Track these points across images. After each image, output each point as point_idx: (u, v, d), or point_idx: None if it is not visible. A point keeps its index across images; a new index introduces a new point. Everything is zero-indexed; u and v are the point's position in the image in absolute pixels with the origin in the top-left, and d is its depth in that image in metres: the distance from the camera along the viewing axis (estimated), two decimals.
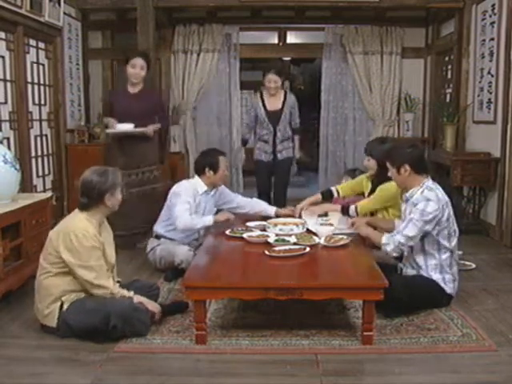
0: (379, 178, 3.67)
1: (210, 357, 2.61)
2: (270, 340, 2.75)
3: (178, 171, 5.82)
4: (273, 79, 4.89)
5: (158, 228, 3.93)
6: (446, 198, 3.10)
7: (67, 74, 5.62)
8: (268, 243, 3.21)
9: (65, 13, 5.34)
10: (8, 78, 4.46)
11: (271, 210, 4.04)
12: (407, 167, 3.09)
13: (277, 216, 3.93)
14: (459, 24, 5.59)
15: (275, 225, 3.50)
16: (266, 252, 3.02)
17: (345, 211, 3.70)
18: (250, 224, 3.67)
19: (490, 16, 4.92)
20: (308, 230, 3.50)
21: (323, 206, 3.93)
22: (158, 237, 3.91)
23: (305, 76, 10.74)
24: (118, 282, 2.98)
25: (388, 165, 3.22)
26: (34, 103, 4.93)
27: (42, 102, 5.13)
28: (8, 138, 4.43)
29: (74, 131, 5.75)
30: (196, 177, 3.89)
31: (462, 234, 3.56)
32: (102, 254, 2.78)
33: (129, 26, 5.63)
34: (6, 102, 4.44)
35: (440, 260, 3.09)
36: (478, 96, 5.22)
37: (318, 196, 4.04)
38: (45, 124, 5.20)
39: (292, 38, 6.77)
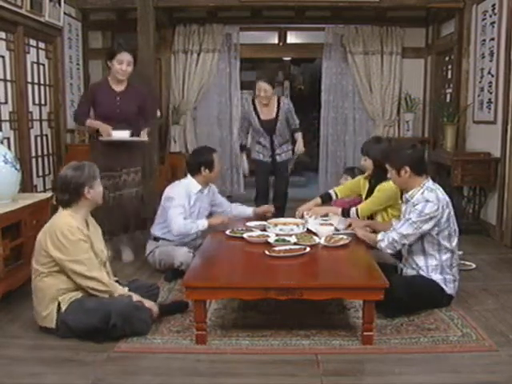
0: (376, 177, 3.67)
1: (210, 357, 2.61)
2: (270, 340, 2.75)
3: (178, 171, 5.82)
4: (263, 87, 4.58)
5: (155, 230, 3.91)
6: (447, 198, 3.10)
7: (67, 74, 5.62)
8: (268, 243, 3.21)
9: (65, 13, 5.34)
10: (8, 77, 4.46)
11: (249, 210, 4.09)
12: (407, 169, 3.08)
13: (255, 215, 3.98)
14: (459, 24, 5.59)
15: (275, 225, 3.50)
16: (266, 252, 3.02)
17: (345, 214, 3.69)
18: (250, 224, 3.67)
19: (491, 16, 4.92)
20: (308, 230, 3.50)
21: (325, 208, 3.91)
22: (156, 239, 3.90)
23: (305, 76, 10.75)
24: (117, 281, 2.98)
25: (388, 166, 3.22)
26: (34, 103, 4.94)
27: (43, 102, 5.13)
28: (8, 138, 4.43)
29: (75, 131, 5.75)
30: (189, 176, 3.86)
31: (462, 234, 3.56)
32: (91, 248, 2.78)
33: (129, 26, 5.63)
34: (6, 102, 4.44)
35: (440, 261, 3.09)
36: (479, 96, 5.21)
37: (318, 200, 4.00)
38: (45, 124, 5.20)
39: (292, 38, 6.78)
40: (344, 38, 6.44)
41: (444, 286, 3.09)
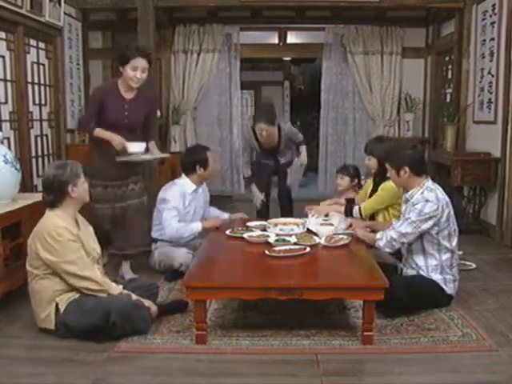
0: (380, 176, 3.68)
1: (211, 357, 2.61)
2: (270, 340, 2.75)
3: (178, 171, 5.81)
4: (264, 129, 4.43)
5: (152, 232, 3.90)
6: (447, 198, 3.10)
7: (67, 74, 5.62)
8: (268, 243, 3.21)
9: (65, 13, 5.34)
10: (8, 77, 4.46)
11: (225, 216, 4.11)
12: (407, 169, 3.09)
13: (229, 221, 3.93)
14: (459, 24, 5.59)
15: (275, 225, 3.50)
16: (267, 252, 3.02)
17: (348, 212, 3.70)
18: (250, 224, 3.67)
19: (491, 16, 4.92)
20: (308, 230, 3.50)
21: (328, 207, 3.90)
22: (154, 240, 3.89)
23: (305, 76, 10.76)
24: (116, 281, 2.98)
25: (387, 166, 3.22)
26: (34, 103, 4.93)
27: (43, 102, 5.13)
28: (8, 138, 4.42)
29: (75, 131, 5.75)
30: (183, 176, 3.86)
31: (462, 233, 3.56)
32: (82, 247, 2.76)
33: (129, 26, 5.63)
34: (6, 102, 4.43)
35: (440, 261, 3.09)
36: (479, 96, 5.21)
37: (342, 201, 3.95)
38: (45, 124, 5.20)
39: (292, 38, 6.78)
40: (344, 38, 6.43)
41: (444, 286, 3.09)
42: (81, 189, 2.78)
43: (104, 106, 3.54)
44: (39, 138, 5.06)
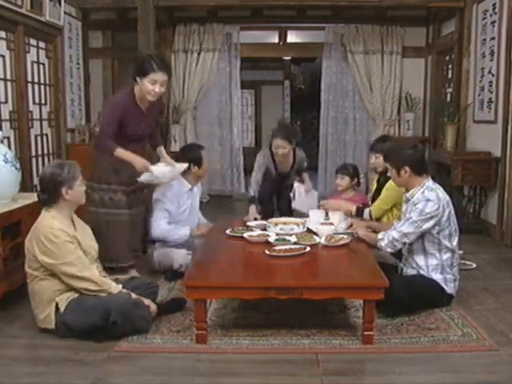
0: (385, 175, 3.67)
1: (211, 356, 2.61)
2: (270, 339, 2.74)
3: None
4: (281, 145, 4.24)
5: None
6: (447, 198, 3.10)
7: (67, 73, 5.62)
8: (268, 243, 3.21)
9: (65, 12, 5.34)
10: (8, 77, 4.46)
11: (205, 221, 4.10)
12: (407, 169, 3.08)
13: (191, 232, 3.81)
14: (460, 23, 5.59)
15: (276, 224, 3.49)
16: (267, 251, 3.02)
17: (359, 214, 3.69)
18: (250, 223, 3.66)
19: (491, 15, 4.92)
20: (308, 230, 3.50)
21: (340, 204, 3.83)
22: (152, 241, 3.89)
23: (305, 75, 10.76)
24: (115, 279, 2.97)
25: (388, 166, 3.22)
26: (34, 102, 4.94)
27: (43, 102, 5.13)
28: (8, 138, 4.43)
29: (75, 130, 5.76)
30: (179, 175, 3.83)
31: (463, 233, 3.56)
32: (79, 247, 2.74)
33: (129, 26, 5.63)
34: (6, 102, 4.44)
35: (441, 260, 3.08)
36: (479, 95, 5.21)
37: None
38: (45, 123, 5.20)
39: (292, 38, 6.79)
40: (344, 38, 6.44)
41: (444, 286, 3.09)
42: (76, 191, 2.75)
43: (123, 122, 3.37)
44: (39, 138, 5.07)
